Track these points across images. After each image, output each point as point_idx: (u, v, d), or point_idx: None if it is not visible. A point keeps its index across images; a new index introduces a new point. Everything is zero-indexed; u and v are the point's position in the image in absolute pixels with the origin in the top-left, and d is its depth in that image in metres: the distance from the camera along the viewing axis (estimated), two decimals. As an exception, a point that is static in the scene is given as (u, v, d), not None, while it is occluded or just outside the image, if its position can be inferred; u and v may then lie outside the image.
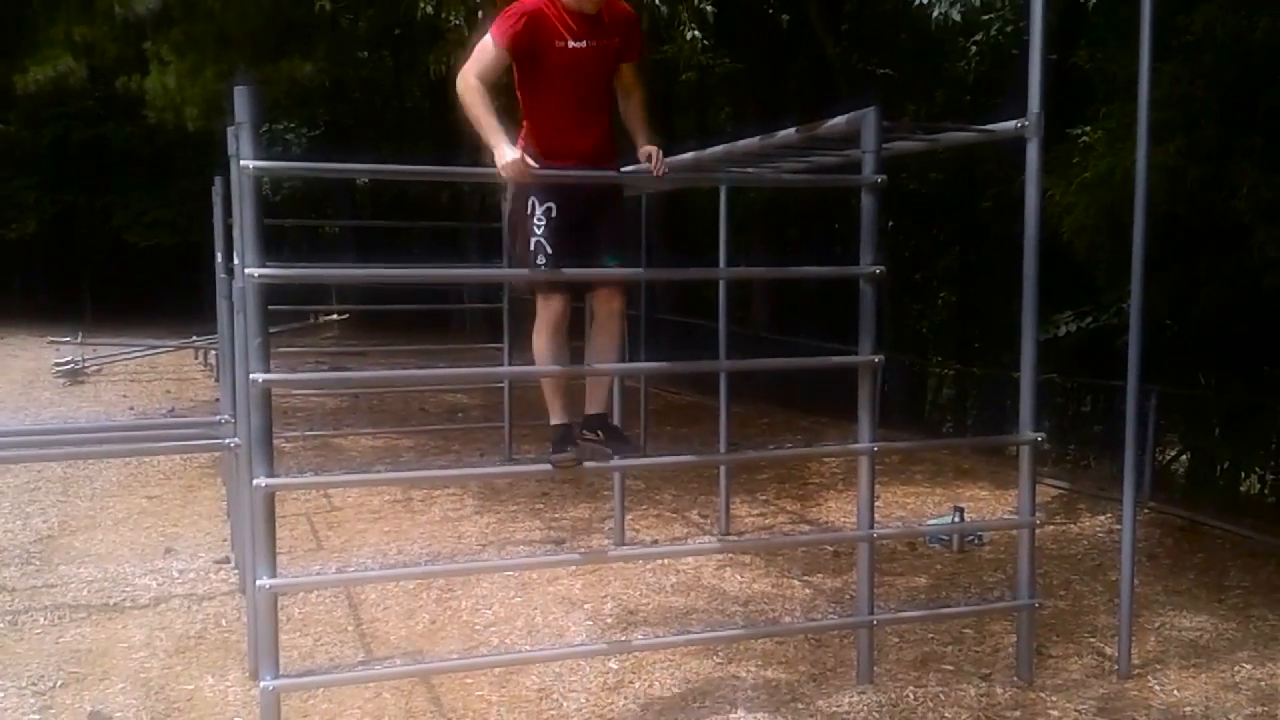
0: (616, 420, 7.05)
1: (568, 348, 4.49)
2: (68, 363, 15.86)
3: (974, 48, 10.14)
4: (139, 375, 16.47)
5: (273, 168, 4.08)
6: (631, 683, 4.95)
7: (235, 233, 4.81)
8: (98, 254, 27.38)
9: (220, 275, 7.68)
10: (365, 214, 26.03)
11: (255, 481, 3.90)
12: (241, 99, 3.82)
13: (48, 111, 23.15)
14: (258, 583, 3.94)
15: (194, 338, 17.97)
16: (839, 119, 4.89)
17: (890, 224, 18.90)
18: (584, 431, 4.55)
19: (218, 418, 7.56)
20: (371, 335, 20.37)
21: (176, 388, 15.26)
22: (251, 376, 3.85)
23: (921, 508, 8.41)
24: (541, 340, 4.41)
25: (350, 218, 25.77)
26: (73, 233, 26.84)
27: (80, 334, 18.89)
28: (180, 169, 24.99)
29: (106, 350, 17.78)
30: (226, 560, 6.83)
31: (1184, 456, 11.70)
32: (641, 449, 4.42)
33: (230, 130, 4.80)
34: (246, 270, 3.77)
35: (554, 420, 4.49)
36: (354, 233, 24.81)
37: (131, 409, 13.27)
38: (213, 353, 16.53)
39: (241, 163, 3.75)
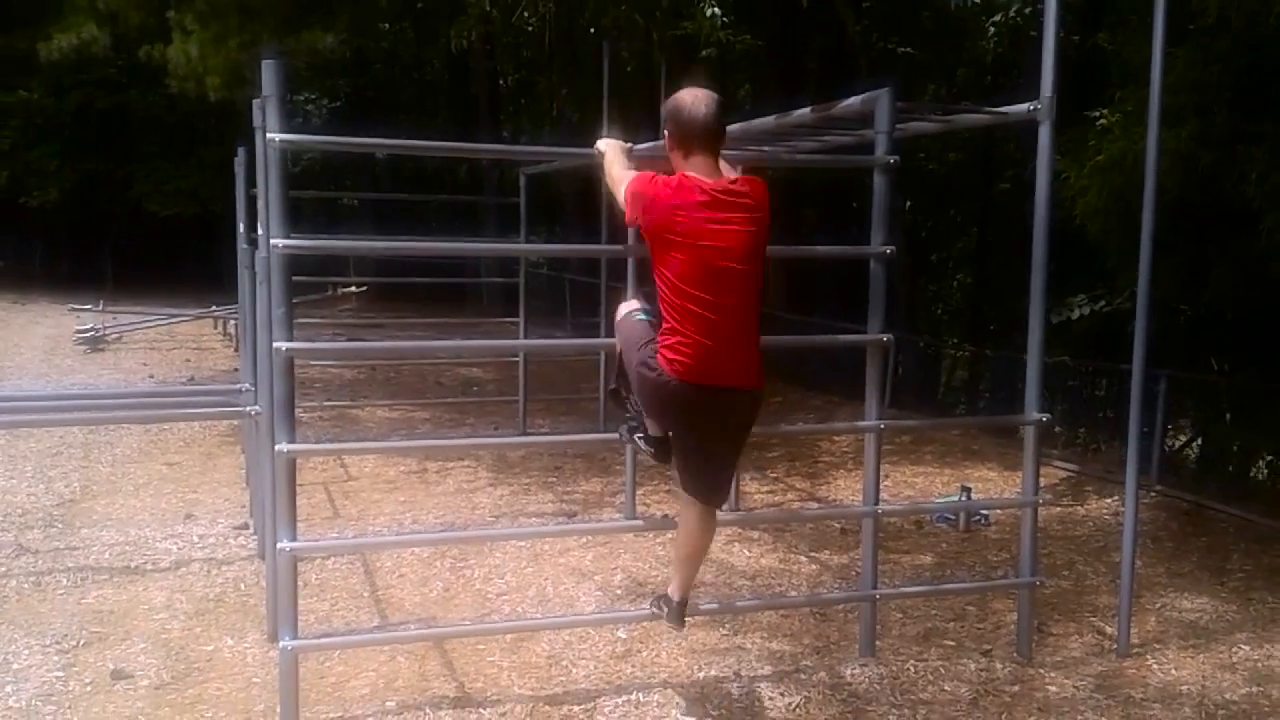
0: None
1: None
2: (89, 330, 16.05)
3: (993, 28, 10.13)
4: (158, 343, 16.65)
5: (299, 141, 4.18)
6: (639, 651, 5.06)
7: (260, 204, 4.90)
8: (119, 222, 27.55)
9: (242, 246, 7.79)
10: (384, 186, 26.12)
11: (277, 447, 4.01)
12: (268, 72, 3.91)
13: (70, 79, 23.28)
14: (278, 546, 4.06)
15: (213, 307, 18.13)
16: (853, 100, 4.95)
17: (908, 204, 18.90)
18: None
19: (237, 386, 7.69)
20: (389, 308, 20.50)
21: (195, 356, 15.43)
22: (275, 345, 3.96)
23: (930, 487, 8.50)
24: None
25: (369, 190, 25.89)
26: (94, 201, 27.00)
27: (101, 302, 19.09)
28: (201, 139, 25.14)
29: (127, 318, 17.97)
30: (245, 526, 6.97)
31: (1197, 442, 11.73)
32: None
33: (256, 103, 4.89)
34: (271, 241, 3.87)
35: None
36: (372, 205, 24.93)
37: (151, 377, 13.44)
38: (232, 322, 16.71)
39: (268, 136, 3.84)
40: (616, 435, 4.57)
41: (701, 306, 3.77)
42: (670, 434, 4.17)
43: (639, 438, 4.34)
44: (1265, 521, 7.38)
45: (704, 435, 4.00)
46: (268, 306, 5.10)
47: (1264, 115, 6.75)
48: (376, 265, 21.37)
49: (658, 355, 3.89)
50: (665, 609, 4.35)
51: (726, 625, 5.40)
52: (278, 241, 3.88)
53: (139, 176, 25.69)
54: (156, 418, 8.64)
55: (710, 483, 4.13)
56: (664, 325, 3.89)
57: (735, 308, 3.82)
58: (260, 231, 4.99)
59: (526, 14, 9.07)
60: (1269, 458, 10.67)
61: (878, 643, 5.08)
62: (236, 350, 15.37)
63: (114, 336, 16.71)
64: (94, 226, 27.75)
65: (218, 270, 23.24)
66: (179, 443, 9.64)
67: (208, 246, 25.51)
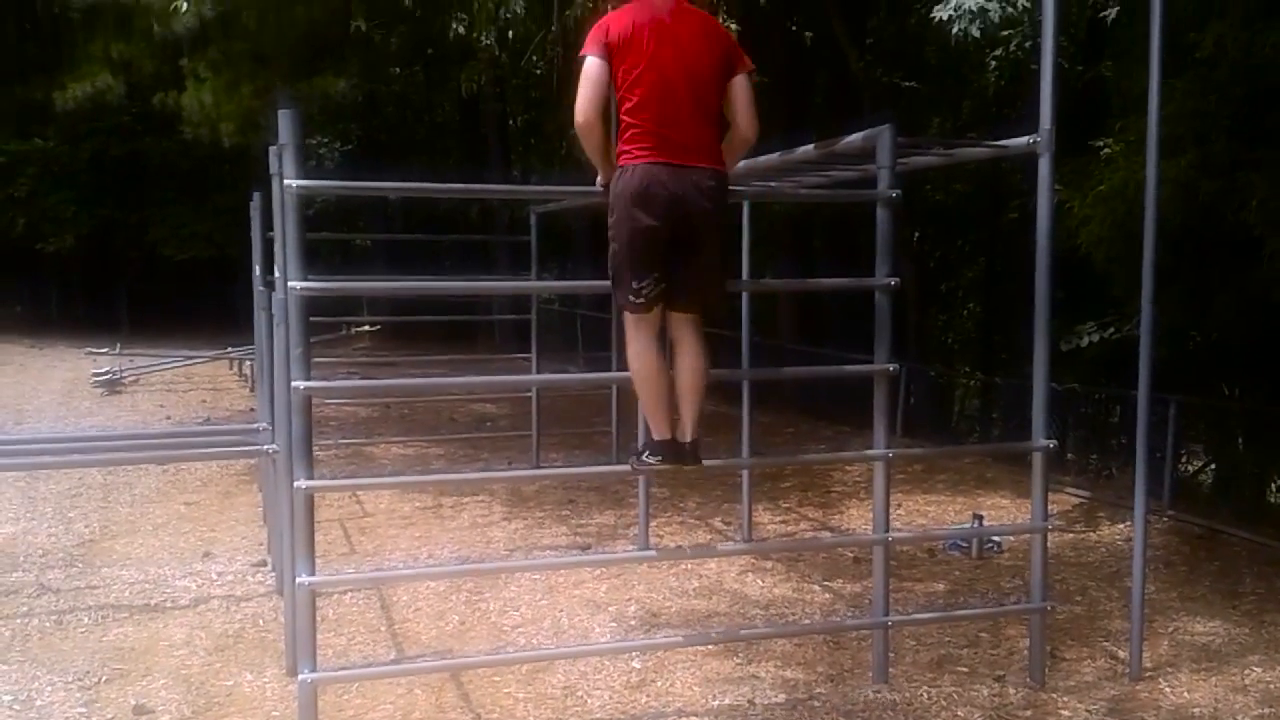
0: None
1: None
2: (105, 373, 16.19)
3: (994, 63, 10.28)
4: (175, 385, 16.78)
5: (316, 186, 4.29)
6: (654, 681, 5.11)
7: (277, 248, 5.02)
8: (134, 267, 27.82)
9: (259, 288, 7.91)
10: (397, 227, 26.34)
11: (296, 484, 4.10)
12: (284, 121, 4.03)
13: (86, 127, 23.56)
14: (297, 580, 4.13)
15: (229, 349, 18.28)
16: (856, 136, 5.05)
17: (916, 235, 19.01)
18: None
19: (255, 425, 7.79)
20: (402, 347, 20.63)
21: (212, 397, 15.54)
22: (294, 384, 4.05)
23: (942, 516, 8.54)
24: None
25: (382, 231, 26.11)
26: (110, 246, 27.28)
27: (118, 345, 19.26)
28: (215, 184, 25.40)
29: (143, 361, 18.13)
30: (264, 563, 7.05)
31: (1211, 466, 11.73)
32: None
33: (272, 150, 5.03)
34: (289, 283, 3.98)
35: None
36: (385, 246, 25.17)
37: (168, 418, 13.55)
38: (247, 363, 16.83)
39: (285, 182, 3.96)
40: (628, 467, 4.66)
41: (660, 97, 4.10)
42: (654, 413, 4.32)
43: (646, 455, 4.44)
44: (1278, 545, 7.40)
45: (677, 223, 4.13)
46: (285, 347, 5.22)
47: (1263, 143, 6.85)
48: (390, 304, 21.54)
49: (619, 161, 4.18)
50: (663, 454, 4.39)
51: (740, 654, 5.44)
52: (295, 284, 3.99)
53: (154, 221, 25.95)
54: (175, 458, 8.73)
55: (697, 285, 4.29)
56: (624, 133, 4.16)
57: (693, 101, 4.15)
58: (278, 274, 5.11)
59: (535, 57, 9.23)
60: (1280, 481, 10.68)
61: (891, 670, 5.12)
62: (252, 390, 15.48)
63: (130, 379, 16.85)
64: (110, 271, 28.01)
65: (233, 312, 23.43)
66: (196, 482, 9.73)
67: (222, 289, 25.72)
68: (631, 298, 4.23)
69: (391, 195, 20.82)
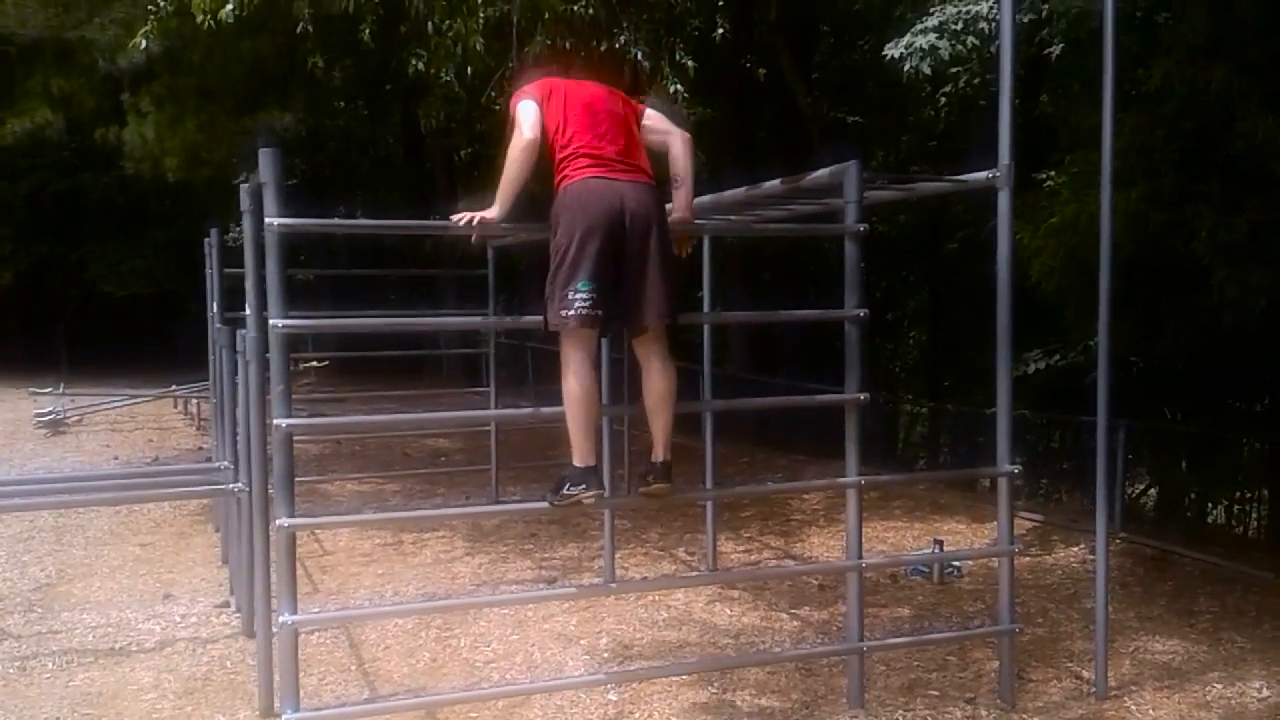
0: (607, 462, 7.27)
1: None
2: (48, 413, 15.88)
3: (943, 99, 10.52)
4: (120, 425, 16.50)
5: (298, 224, 4.30)
6: (631, 713, 5.13)
7: (249, 285, 5.03)
8: (73, 304, 27.35)
9: (216, 325, 7.86)
10: (341, 262, 26.12)
11: (279, 521, 4.09)
12: (265, 160, 4.06)
13: (24, 163, 23.18)
14: (280, 619, 4.11)
15: (174, 387, 18.00)
16: (822, 171, 5.16)
17: (862, 265, 19.27)
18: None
19: (214, 464, 7.73)
20: (347, 383, 20.45)
21: (158, 437, 15.31)
22: (277, 421, 4.05)
23: (901, 542, 8.65)
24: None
25: (327, 265, 25.88)
26: (48, 284, 26.80)
27: (60, 385, 18.90)
28: (156, 219, 25.10)
29: (86, 400, 17.80)
30: (226, 604, 6.97)
31: (1153, 490, 12.01)
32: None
33: (244, 187, 5.04)
34: (272, 321, 3.98)
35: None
36: (329, 280, 24.95)
37: (116, 458, 13.33)
38: (194, 401, 16.60)
39: (267, 220, 3.97)
40: (545, 504, 4.65)
41: (588, 126, 4.42)
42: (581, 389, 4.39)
43: (568, 488, 4.45)
44: (1227, 564, 7.60)
45: (619, 231, 4.30)
46: (257, 385, 5.22)
47: (1210, 175, 7.07)
48: (336, 339, 21.33)
49: (559, 188, 4.42)
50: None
51: (715, 684, 5.48)
52: (278, 321, 3.99)
53: (93, 258, 25.55)
54: (133, 498, 8.62)
55: (646, 299, 4.39)
56: (559, 165, 4.43)
57: (616, 127, 4.49)
58: (249, 311, 5.11)
59: (494, 93, 9.29)
60: (1225, 502, 10.96)
61: (865, 695, 5.19)
62: (199, 429, 15.29)
63: (74, 419, 16.55)
64: (48, 309, 27.51)
65: (174, 349, 23.09)
66: (149, 524, 9.58)
67: (163, 326, 25.35)
68: (564, 311, 4.27)
69: (369, 233, 20.74)
